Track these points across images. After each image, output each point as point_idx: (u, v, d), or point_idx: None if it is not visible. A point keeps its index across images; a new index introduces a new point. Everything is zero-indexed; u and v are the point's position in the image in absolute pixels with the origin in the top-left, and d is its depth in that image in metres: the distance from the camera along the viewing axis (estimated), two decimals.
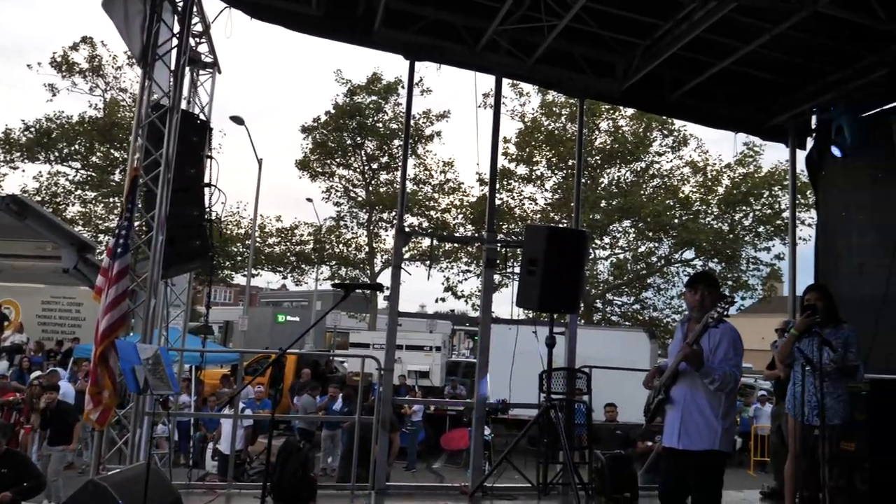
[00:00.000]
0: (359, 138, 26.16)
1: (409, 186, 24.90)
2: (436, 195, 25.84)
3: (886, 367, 6.54)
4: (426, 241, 25.46)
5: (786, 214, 19.88)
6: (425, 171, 25.90)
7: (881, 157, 7.14)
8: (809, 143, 8.35)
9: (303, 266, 28.26)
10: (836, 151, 7.11)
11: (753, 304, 25.64)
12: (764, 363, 7.33)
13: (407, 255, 24.04)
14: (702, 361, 3.85)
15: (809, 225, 18.14)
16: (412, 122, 24.61)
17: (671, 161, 23.11)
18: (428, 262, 21.35)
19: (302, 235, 27.74)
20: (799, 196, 18.36)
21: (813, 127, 8.22)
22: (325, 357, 20.14)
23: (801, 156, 8.39)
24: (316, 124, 26.20)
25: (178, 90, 6.12)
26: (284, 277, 29.62)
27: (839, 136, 7.00)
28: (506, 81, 10.18)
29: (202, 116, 7.74)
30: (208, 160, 7.24)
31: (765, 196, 21.71)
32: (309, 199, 28.77)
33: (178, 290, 8.43)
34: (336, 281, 25.96)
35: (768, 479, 8.11)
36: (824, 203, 8.14)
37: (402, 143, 20.53)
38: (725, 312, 3.74)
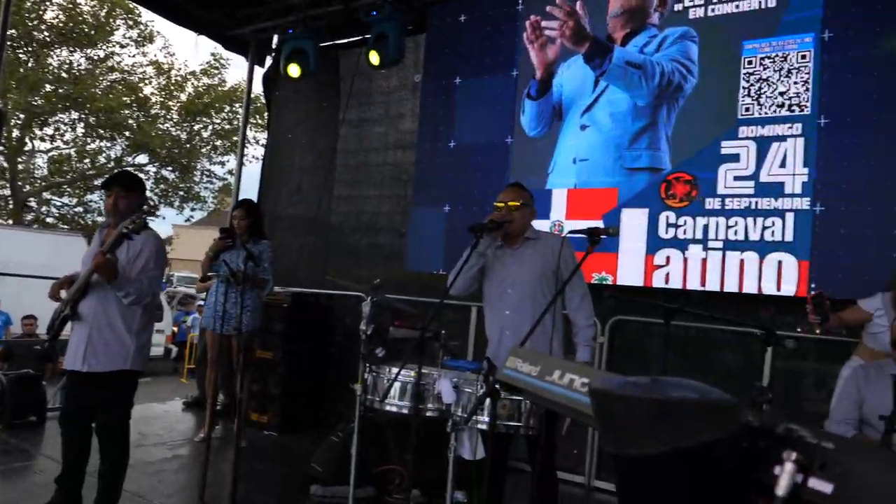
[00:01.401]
0: None
1: None
2: None
3: (309, 282, 7.09)
4: None
5: None
6: None
7: (328, 87, 7.57)
8: (269, 61, 8.42)
9: None
10: (293, 73, 7.22)
11: (204, 217, 25.97)
12: None
13: None
14: (115, 272, 3.35)
15: (264, 145, 18.92)
16: None
17: (133, 56, 21.47)
18: None
19: None
20: (257, 116, 19.20)
21: (273, 46, 8.28)
22: None
23: (260, 73, 8.45)
24: None
25: None
26: None
27: (296, 60, 7.14)
28: None
29: None
30: None
31: (226, 111, 21.92)
32: None
33: None
34: None
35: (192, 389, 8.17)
36: (275, 123, 8.35)
37: None
38: (144, 221, 3.31)
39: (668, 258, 5.00)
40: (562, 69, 5.68)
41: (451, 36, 6.37)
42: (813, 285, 4.35)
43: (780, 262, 4.58)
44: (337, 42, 7.70)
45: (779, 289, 4.58)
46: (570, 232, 3.22)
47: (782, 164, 4.64)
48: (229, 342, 5.53)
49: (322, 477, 4.60)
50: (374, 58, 6.29)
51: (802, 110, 4.60)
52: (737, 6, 4.95)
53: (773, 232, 4.62)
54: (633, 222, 5.14)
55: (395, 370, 3.35)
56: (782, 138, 4.65)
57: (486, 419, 3.04)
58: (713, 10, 5.05)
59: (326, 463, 4.66)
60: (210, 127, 22.11)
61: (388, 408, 3.43)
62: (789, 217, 4.58)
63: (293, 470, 5.05)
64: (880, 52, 4.41)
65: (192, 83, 21.89)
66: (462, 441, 3.30)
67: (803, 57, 4.64)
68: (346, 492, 3.94)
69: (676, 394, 0.71)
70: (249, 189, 8.36)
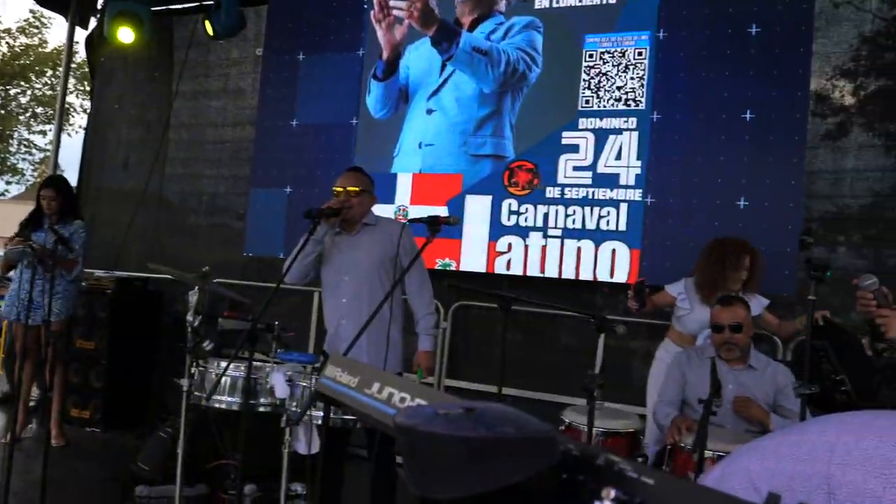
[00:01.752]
0: None
1: None
2: None
3: (139, 265, 6.56)
4: None
5: (68, 99, 18.71)
6: None
7: (160, 55, 7.01)
8: (94, 23, 7.67)
9: None
10: (123, 38, 6.59)
11: (23, 191, 23.71)
12: None
13: None
14: None
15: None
16: None
17: None
18: None
19: None
20: (85, 82, 17.62)
21: (99, 7, 7.55)
22: None
23: (83, 35, 7.67)
24: None
25: None
26: None
27: (125, 24, 6.53)
28: None
29: None
30: None
31: (48, 75, 19.99)
32: None
33: None
34: None
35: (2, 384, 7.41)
36: (100, 91, 7.64)
37: None
38: None
39: (509, 245, 5.07)
40: (409, 51, 5.58)
41: (296, 9, 6.08)
42: (643, 275, 4.56)
43: (613, 251, 4.77)
44: (171, 7, 7.14)
45: (612, 276, 4.77)
46: (411, 220, 3.15)
47: (618, 157, 4.82)
48: (38, 332, 5.00)
49: (148, 476, 4.30)
50: (210, 27, 5.91)
51: (637, 105, 4.79)
52: (580, 0, 5.06)
53: (608, 221, 4.80)
54: (477, 209, 5.17)
55: (224, 364, 3.15)
56: (618, 131, 4.83)
57: (322, 413, 2.92)
58: (557, 1, 5.13)
59: (153, 461, 4.37)
60: (29, 92, 20.09)
61: (216, 404, 3.21)
62: (623, 207, 4.77)
63: (117, 469, 4.69)
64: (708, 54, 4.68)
65: (7, 42, 19.76)
66: (297, 436, 3.16)
67: (640, 54, 4.83)
68: (174, 491, 3.68)
69: (490, 430, 0.64)
70: (73, 161, 7.67)
